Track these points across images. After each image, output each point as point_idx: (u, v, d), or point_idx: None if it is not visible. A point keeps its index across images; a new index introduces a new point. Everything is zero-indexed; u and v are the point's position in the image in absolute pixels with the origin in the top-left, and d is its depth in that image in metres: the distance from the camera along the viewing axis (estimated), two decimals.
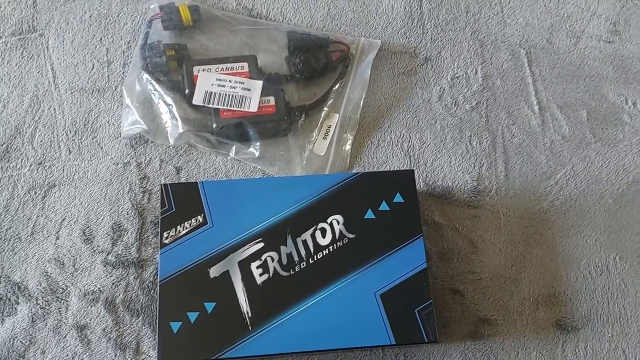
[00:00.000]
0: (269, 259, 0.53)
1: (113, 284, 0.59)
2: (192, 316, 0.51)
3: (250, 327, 0.51)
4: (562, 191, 0.64)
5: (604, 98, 0.69)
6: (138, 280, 0.59)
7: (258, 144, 0.63)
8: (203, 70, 0.64)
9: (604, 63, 0.71)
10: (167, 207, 0.55)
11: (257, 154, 0.63)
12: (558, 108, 0.68)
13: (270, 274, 0.53)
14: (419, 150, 0.65)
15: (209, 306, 0.51)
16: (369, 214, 0.55)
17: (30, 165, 0.63)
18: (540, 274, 0.61)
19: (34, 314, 0.57)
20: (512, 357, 0.58)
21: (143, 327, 0.57)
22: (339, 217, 0.55)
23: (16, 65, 0.67)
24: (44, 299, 0.58)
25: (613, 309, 0.60)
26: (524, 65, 0.70)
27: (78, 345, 0.56)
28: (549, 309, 0.59)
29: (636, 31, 0.73)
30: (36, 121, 0.65)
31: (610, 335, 0.59)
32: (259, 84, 0.64)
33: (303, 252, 0.53)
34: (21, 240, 0.60)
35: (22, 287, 0.58)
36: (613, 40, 0.72)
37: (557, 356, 0.58)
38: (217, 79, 0.63)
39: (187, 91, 0.63)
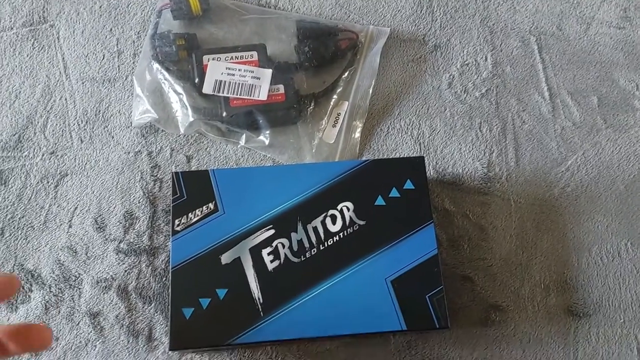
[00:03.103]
0: (279, 246, 0.53)
1: (125, 271, 0.59)
2: (204, 302, 0.51)
3: (261, 313, 0.51)
4: (573, 177, 0.64)
5: (615, 84, 0.69)
6: (150, 267, 0.59)
7: (268, 132, 0.63)
8: (213, 59, 0.64)
9: (615, 49, 0.71)
10: (178, 194, 0.55)
11: (267, 142, 0.63)
12: (568, 94, 0.68)
13: (281, 261, 0.53)
14: (428, 137, 0.65)
15: (221, 292, 0.52)
16: (379, 201, 0.55)
17: (43, 155, 0.64)
18: (551, 260, 0.61)
19: (47, 301, 0.58)
20: (524, 343, 0.58)
21: (155, 314, 0.58)
22: (349, 204, 0.55)
23: (27, 56, 0.68)
24: (57, 286, 0.58)
25: (625, 295, 0.60)
26: (534, 52, 0.70)
27: (91, 332, 0.57)
28: (560, 295, 0.59)
29: None
30: (48, 111, 0.65)
31: (622, 321, 0.59)
32: (268, 72, 0.64)
33: (314, 239, 0.54)
34: (34, 228, 0.61)
35: (36, 275, 0.59)
36: (624, 26, 0.72)
37: (568, 342, 0.58)
38: (226, 68, 0.63)
39: (197, 80, 0.63)
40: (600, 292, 0.60)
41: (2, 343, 0.39)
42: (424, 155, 0.64)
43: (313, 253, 0.53)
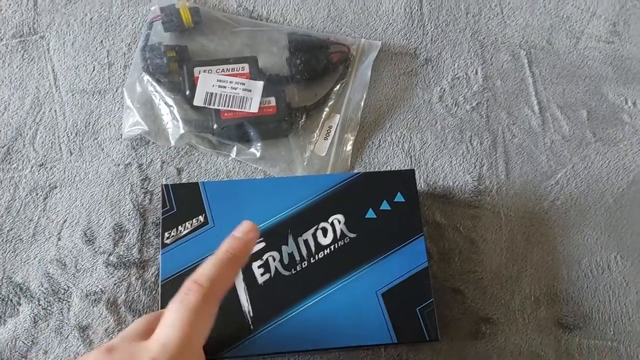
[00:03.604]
0: (270, 259, 0.53)
1: (115, 284, 0.59)
2: None
3: (252, 327, 0.51)
4: (563, 191, 0.64)
5: (604, 98, 0.69)
6: (140, 280, 0.59)
7: (259, 144, 0.63)
8: (204, 72, 0.64)
9: (604, 63, 0.71)
10: (168, 207, 0.55)
11: (258, 154, 0.63)
12: (558, 108, 0.68)
13: (272, 274, 0.53)
14: (419, 150, 0.65)
15: None
16: (370, 214, 0.55)
17: (32, 167, 0.63)
18: (541, 273, 0.61)
19: (36, 314, 0.57)
20: (514, 356, 0.58)
21: None
22: (340, 217, 0.55)
23: (17, 67, 0.68)
24: (46, 299, 0.58)
25: (614, 308, 0.60)
26: (524, 66, 0.70)
27: (80, 345, 0.56)
28: (550, 307, 0.59)
29: (636, 31, 0.73)
30: (37, 123, 0.65)
31: (612, 333, 0.59)
32: (259, 84, 0.64)
33: (304, 252, 0.53)
34: (23, 241, 0.60)
35: (24, 288, 0.58)
36: (613, 40, 0.73)
37: (558, 355, 0.58)
38: (217, 80, 0.63)
39: (187, 92, 0.63)
40: (590, 304, 0.60)
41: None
42: (415, 168, 0.64)
43: (304, 266, 0.53)
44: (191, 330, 0.40)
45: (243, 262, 0.46)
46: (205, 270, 0.43)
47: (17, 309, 0.58)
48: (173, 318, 0.40)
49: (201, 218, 0.54)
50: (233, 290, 0.52)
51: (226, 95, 0.63)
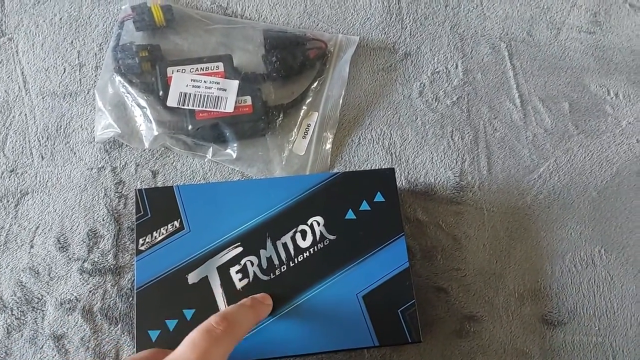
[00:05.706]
0: (248, 264, 0.52)
1: (90, 292, 0.57)
2: (171, 324, 0.50)
3: None
4: (546, 185, 0.63)
5: (586, 89, 0.68)
6: (116, 287, 0.57)
7: (235, 145, 0.62)
8: (177, 71, 0.62)
9: (585, 54, 0.70)
10: (142, 212, 0.53)
11: (234, 155, 0.62)
12: (540, 101, 0.67)
13: (250, 279, 0.51)
14: (400, 147, 0.64)
15: (188, 313, 0.50)
16: (350, 215, 0.54)
17: (2, 173, 0.61)
18: (525, 269, 0.60)
19: (9, 324, 0.56)
20: (499, 354, 0.57)
21: (122, 336, 0.56)
22: (320, 219, 0.54)
23: None
24: (19, 309, 0.57)
25: (599, 302, 0.59)
26: (505, 59, 0.69)
27: (55, 355, 0.55)
28: (535, 304, 0.59)
29: (617, 21, 0.72)
30: (7, 127, 0.63)
31: (597, 328, 0.58)
32: (235, 83, 0.62)
33: (283, 256, 0.52)
34: None
35: None
36: (594, 31, 0.72)
37: (543, 352, 0.57)
38: (191, 80, 0.62)
39: (161, 93, 0.62)
40: (575, 300, 0.59)
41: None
42: (396, 165, 0.63)
43: (283, 270, 0.52)
44: (208, 358, 0.41)
45: (261, 317, 0.48)
46: (233, 311, 0.45)
47: None
48: (196, 342, 0.41)
49: (176, 223, 0.53)
50: (211, 297, 0.51)
51: (200, 95, 0.61)
